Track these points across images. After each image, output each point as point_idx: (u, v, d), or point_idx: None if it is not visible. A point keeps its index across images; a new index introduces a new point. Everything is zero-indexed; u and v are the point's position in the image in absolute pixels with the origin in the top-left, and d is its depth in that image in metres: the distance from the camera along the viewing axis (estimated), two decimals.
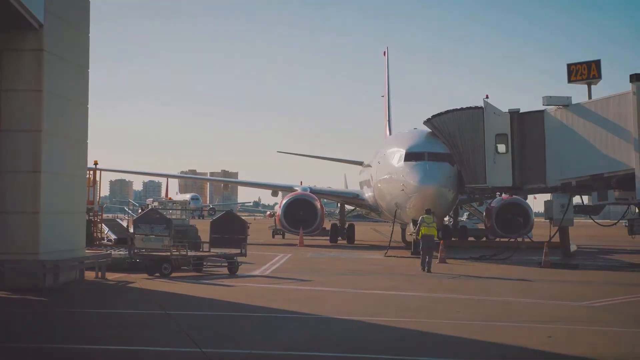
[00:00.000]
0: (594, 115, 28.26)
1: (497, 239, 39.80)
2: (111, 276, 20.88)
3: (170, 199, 40.42)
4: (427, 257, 24.38)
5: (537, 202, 49.65)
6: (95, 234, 26.33)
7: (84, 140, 20.95)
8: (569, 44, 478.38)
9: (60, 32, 19.28)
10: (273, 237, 48.55)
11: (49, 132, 18.53)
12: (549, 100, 29.38)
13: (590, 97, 29.12)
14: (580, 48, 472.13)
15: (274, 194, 54.10)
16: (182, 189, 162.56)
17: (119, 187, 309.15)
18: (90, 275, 20.47)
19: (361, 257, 31.51)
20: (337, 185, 63.87)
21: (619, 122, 27.42)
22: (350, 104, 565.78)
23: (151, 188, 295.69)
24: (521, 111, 30.38)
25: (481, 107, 30.49)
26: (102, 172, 28.64)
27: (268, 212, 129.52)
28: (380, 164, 34.61)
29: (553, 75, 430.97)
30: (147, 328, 13.03)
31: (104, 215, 30.71)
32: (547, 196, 32.10)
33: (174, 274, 21.42)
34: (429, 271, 24.00)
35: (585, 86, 29.23)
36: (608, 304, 17.06)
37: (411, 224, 31.77)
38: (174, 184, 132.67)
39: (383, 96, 53.68)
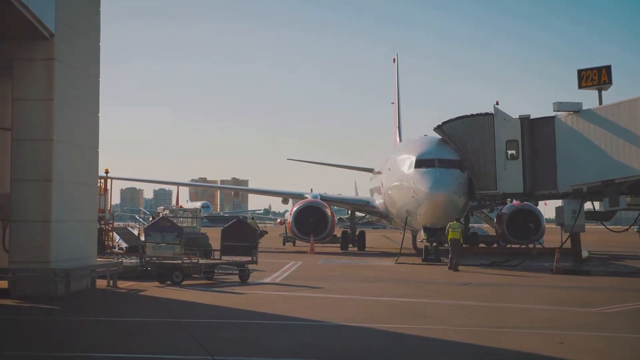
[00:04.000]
0: (605, 121, 28.17)
1: (508, 246, 39.69)
2: (122, 284, 20.92)
3: (181, 206, 40.45)
4: (454, 258, 27.21)
5: (548, 208, 49.57)
6: (106, 242, 26.36)
7: (95, 148, 21.07)
8: (578, 50, 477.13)
9: (71, 41, 19.40)
10: (284, 244, 48.61)
11: (60, 141, 18.64)
12: (559, 106, 29.33)
13: (600, 102, 29.03)
14: (589, 54, 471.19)
15: (285, 201, 54.15)
16: (193, 197, 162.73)
17: (130, 195, 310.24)
18: (101, 283, 20.53)
19: (372, 264, 31.46)
20: (348, 193, 63.90)
21: (631, 127, 27.33)
22: (361, 111, 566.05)
23: (162, 196, 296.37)
24: (531, 117, 30.34)
25: (491, 114, 30.45)
26: (113, 180, 28.77)
27: (279, 220, 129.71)
28: (391, 171, 34.58)
29: (563, 82, 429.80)
30: (159, 336, 13.05)
31: (115, 224, 30.77)
32: (558, 202, 32.00)
33: (185, 282, 21.46)
34: (456, 270, 26.82)
35: (596, 92, 29.16)
36: (620, 310, 16.99)
37: (422, 231, 31.77)
38: (184, 191, 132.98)
39: (393, 103, 53.77)
